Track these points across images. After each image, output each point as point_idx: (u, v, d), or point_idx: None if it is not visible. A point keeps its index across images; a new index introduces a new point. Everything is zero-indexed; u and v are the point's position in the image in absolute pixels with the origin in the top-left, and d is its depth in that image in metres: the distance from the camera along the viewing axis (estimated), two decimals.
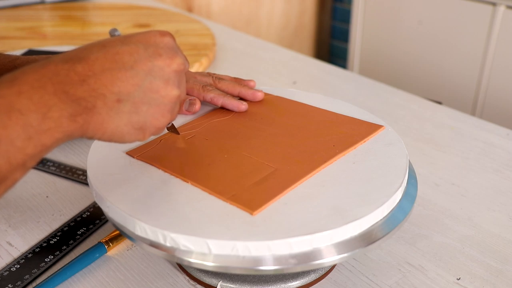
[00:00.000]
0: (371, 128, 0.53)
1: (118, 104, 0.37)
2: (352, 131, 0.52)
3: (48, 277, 0.48)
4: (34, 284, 0.48)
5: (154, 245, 0.40)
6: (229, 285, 0.47)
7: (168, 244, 0.40)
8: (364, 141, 0.51)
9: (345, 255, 0.39)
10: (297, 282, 0.47)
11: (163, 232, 0.39)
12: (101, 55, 0.37)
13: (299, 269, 0.39)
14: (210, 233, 0.39)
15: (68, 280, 0.48)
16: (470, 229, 0.56)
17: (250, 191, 0.43)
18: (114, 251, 0.52)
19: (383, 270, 0.50)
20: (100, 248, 0.51)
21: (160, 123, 0.40)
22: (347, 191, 0.44)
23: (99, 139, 0.38)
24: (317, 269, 0.48)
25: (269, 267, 0.38)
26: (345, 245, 0.40)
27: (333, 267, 0.50)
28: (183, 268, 0.50)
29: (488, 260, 0.52)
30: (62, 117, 0.34)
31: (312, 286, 0.48)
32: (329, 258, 0.39)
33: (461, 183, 0.64)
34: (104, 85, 0.36)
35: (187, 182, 0.45)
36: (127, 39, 0.38)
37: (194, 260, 0.39)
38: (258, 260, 0.39)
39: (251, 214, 0.41)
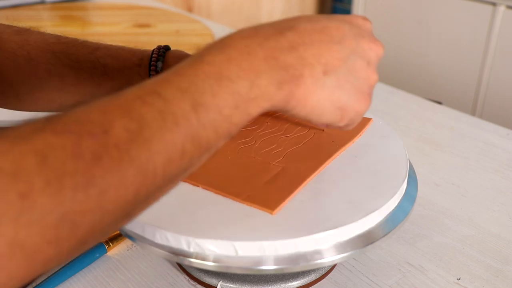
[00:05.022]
0: (362, 121, 0.53)
1: (324, 76, 0.36)
2: None
3: (48, 277, 0.48)
4: (34, 284, 0.48)
5: (176, 252, 0.39)
6: (229, 285, 0.47)
7: (192, 250, 0.39)
8: (360, 135, 0.52)
9: (345, 255, 0.39)
10: (297, 282, 0.47)
11: (187, 238, 0.39)
12: (310, 26, 0.36)
13: (299, 269, 0.39)
14: (236, 236, 0.38)
15: (68, 280, 0.48)
16: (470, 229, 0.56)
17: (264, 191, 0.43)
18: (114, 251, 0.52)
19: (383, 270, 0.50)
20: (100, 248, 0.51)
21: (361, 107, 0.38)
22: (358, 185, 0.44)
23: (298, 113, 0.36)
24: (317, 269, 0.48)
25: (269, 266, 0.38)
26: (345, 245, 0.40)
27: (333, 267, 0.50)
28: (183, 268, 0.50)
29: (488, 260, 0.52)
30: (270, 84, 0.33)
31: (312, 286, 0.48)
32: (329, 258, 0.39)
33: (461, 183, 0.64)
34: (313, 55, 0.35)
35: (198, 186, 0.44)
36: (332, 17, 0.38)
37: (195, 260, 0.39)
38: (275, 259, 0.38)
39: (271, 213, 0.41)
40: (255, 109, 0.33)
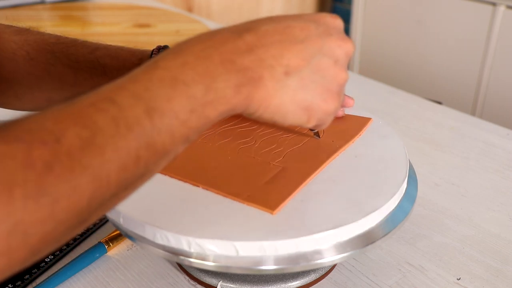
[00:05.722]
0: (362, 121, 0.54)
1: (285, 77, 0.35)
2: (346, 126, 0.53)
3: (48, 277, 0.48)
4: (34, 284, 0.48)
5: (176, 252, 0.39)
6: (229, 285, 0.47)
7: (192, 250, 0.39)
8: (360, 135, 0.52)
9: (345, 255, 0.39)
10: (297, 282, 0.47)
11: (188, 238, 0.39)
12: (271, 28, 0.35)
13: (299, 269, 0.39)
14: (236, 236, 0.38)
15: (68, 280, 0.48)
16: (470, 229, 0.56)
17: (264, 191, 0.43)
18: (114, 251, 0.52)
19: (383, 270, 0.50)
20: (100, 248, 0.51)
21: (329, 106, 0.38)
22: (358, 184, 0.44)
23: (261, 115, 0.36)
24: (317, 269, 0.48)
25: (269, 266, 0.38)
26: (345, 245, 0.40)
27: (333, 267, 0.50)
28: (183, 268, 0.50)
29: (488, 260, 0.52)
30: (226, 87, 0.33)
31: (312, 286, 0.48)
32: (329, 258, 0.39)
33: (461, 183, 0.64)
34: (273, 56, 0.34)
35: (198, 186, 0.44)
36: (297, 17, 0.37)
37: (195, 260, 0.39)
38: (280, 259, 0.38)
39: (271, 213, 0.41)
40: (213, 113, 0.33)
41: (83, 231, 0.54)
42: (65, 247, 0.52)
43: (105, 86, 0.31)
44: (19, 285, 0.47)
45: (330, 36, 0.37)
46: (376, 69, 1.83)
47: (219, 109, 0.33)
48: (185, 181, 0.45)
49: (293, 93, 0.36)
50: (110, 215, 0.43)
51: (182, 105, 0.31)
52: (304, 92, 0.36)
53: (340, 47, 0.37)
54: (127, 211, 0.41)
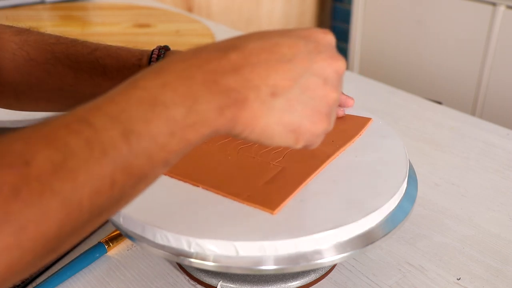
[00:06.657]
0: (362, 121, 0.54)
1: (272, 99, 0.33)
2: (346, 126, 0.53)
3: (48, 277, 0.48)
4: (34, 284, 0.48)
5: (176, 252, 0.39)
6: (229, 285, 0.47)
7: (192, 250, 0.39)
8: (360, 135, 0.52)
9: (345, 254, 0.40)
10: (297, 282, 0.47)
11: (188, 238, 0.39)
12: (258, 45, 0.33)
13: (299, 269, 0.39)
14: (236, 236, 0.38)
15: (68, 280, 0.48)
16: (470, 229, 0.56)
17: (264, 191, 0.43)
18: (114, 251, 0.52)
19: (383, 270, 0.50)
20: (100, 248, 0.51)
21: (317, 128, 0.36)
22: (358, 184, 0.44)
23: (247, 137, 0.34)
24: (317, 269, 0.48)
25: (269, 266, 0.38)
26: (345, 245, 0.40)
27: (333, 267, 0.50)
28: (183, 268, 0.50)
29: (488, 260, 0.52)
30: (209, 110, 0.31)
31: (312, 286, 0.48)
32: (329, 257, 0.39)
33: (461, 183, 0.64)
34: (259, 76, 0.33)
35: (198, 186, 0.44)
36: (286, 33, 0.35)
37: (195, 260, 0.39)
38: (282, 259, 0.38)
39: (272, 213, 0.41)
40: (194, 136, 0.31)
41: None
42: None
43: (81, 106, 0.30)
44: (19, 285, 0.47)
45: (320, 53, 0.35)
46: (376, 69, 1.83)
47: (201, 132, 0.32)
48: (185, 181, 0.45)
49: (279, 115, 0.34)
50: None
51: (161, 128, 0.30)
52: (291, 114, 0.34)
53: (330, 66, 0.36)
54: (127, 211, 0.41)
